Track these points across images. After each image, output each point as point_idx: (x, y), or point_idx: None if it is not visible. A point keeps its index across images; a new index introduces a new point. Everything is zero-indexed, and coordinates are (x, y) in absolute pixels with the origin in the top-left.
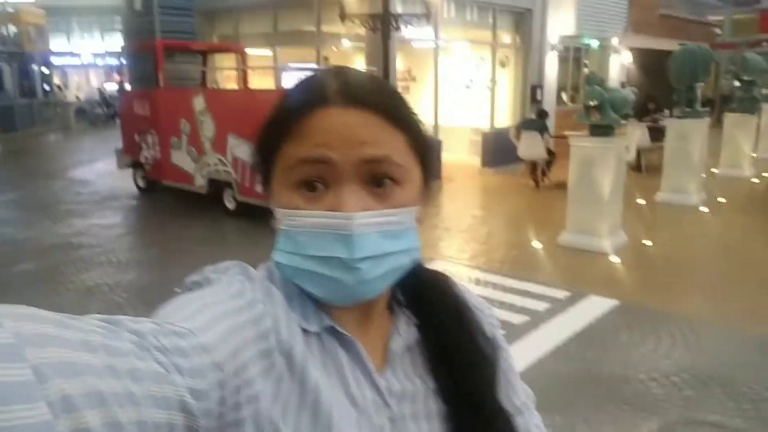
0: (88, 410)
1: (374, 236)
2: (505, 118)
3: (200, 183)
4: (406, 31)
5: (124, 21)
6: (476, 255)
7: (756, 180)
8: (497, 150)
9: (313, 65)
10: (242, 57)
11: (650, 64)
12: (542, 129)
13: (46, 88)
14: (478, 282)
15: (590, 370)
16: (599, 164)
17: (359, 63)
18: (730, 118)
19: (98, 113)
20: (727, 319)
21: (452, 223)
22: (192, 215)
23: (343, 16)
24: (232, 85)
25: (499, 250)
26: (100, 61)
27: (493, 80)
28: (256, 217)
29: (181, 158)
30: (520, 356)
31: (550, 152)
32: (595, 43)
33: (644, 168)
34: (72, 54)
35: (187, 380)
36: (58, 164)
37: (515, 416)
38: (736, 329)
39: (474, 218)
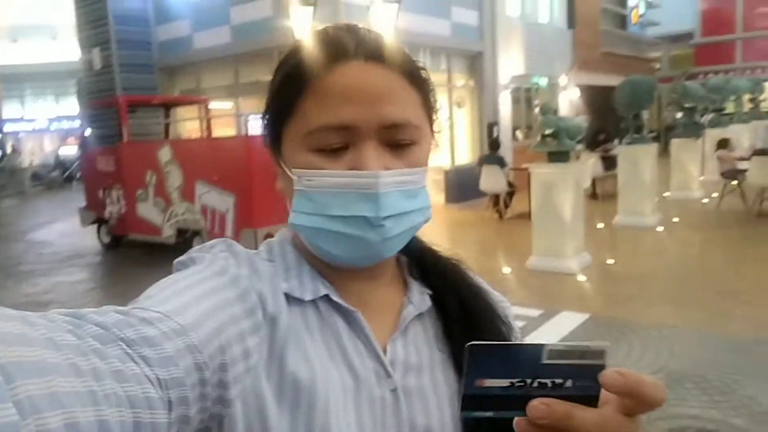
0: (49, 412)
1: (396, 195)
2: (465, 155)
3: (168, 233)
4: None
5: (81, 81)
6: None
7: (706, 200)
8: (459, 186)
9: None
10: (205, 108)
11: (596, 98)
12: (501, 163)
13: None
14: None
15: None
16: (559, 188)
17: None
18: (676, 144)
19: (54, 177)
20: (693, 324)
21: None
22: (161, 266)
23: None
24: (195, 136)
25: None
26: (54, 126)
27: (451, 120)
28: None
29: (148, 210)
30: None
31: (510, 185)
32: (544, 81)
33: (600, 195)
34: (25, 120)
35: (156, 371)
36: (16, 227)
37: None
38: (703, 332)
39: (443, 250)
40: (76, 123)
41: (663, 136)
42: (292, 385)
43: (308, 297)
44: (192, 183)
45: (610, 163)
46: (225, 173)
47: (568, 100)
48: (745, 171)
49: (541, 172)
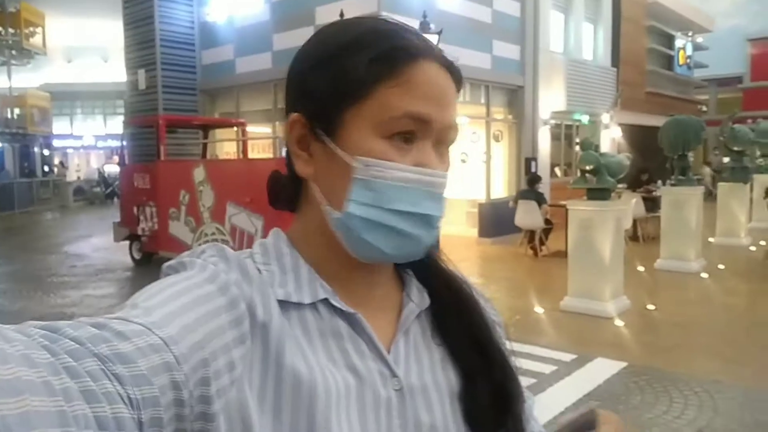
0: None
1: (443, 197)
2: (501, 189)
3: None
4: None
5: (127, 100)
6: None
7: (753, 248)
8: (494, 220)
9: None
10: (242, 130)
11: (640, 138)
12: (539, 198)
13: (46, 169)
14: None
15: None
16: (598, 227)
17: None
18: (723, 188)
19: (96, 192)
20: (739, 380)
21: None
22: None
23: None
24: (229, 158)
25: (502, 315)
26: (101, 143)
27: (488, 153)
28: None
29: (179, 229)
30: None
31: (547, 221)
32: (585, 118)
33: (641, 237)
34: (74, 136)
35: (128, 389)
36: (55, 240)
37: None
38: (749, 388)
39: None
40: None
41: (709, 178)
42: (292, 386)
43: (307, 300)
44: (223, 204)
45: (652, 204)
46: (256, 195)
47: (610, 139)
48: None
49: (579, 209)
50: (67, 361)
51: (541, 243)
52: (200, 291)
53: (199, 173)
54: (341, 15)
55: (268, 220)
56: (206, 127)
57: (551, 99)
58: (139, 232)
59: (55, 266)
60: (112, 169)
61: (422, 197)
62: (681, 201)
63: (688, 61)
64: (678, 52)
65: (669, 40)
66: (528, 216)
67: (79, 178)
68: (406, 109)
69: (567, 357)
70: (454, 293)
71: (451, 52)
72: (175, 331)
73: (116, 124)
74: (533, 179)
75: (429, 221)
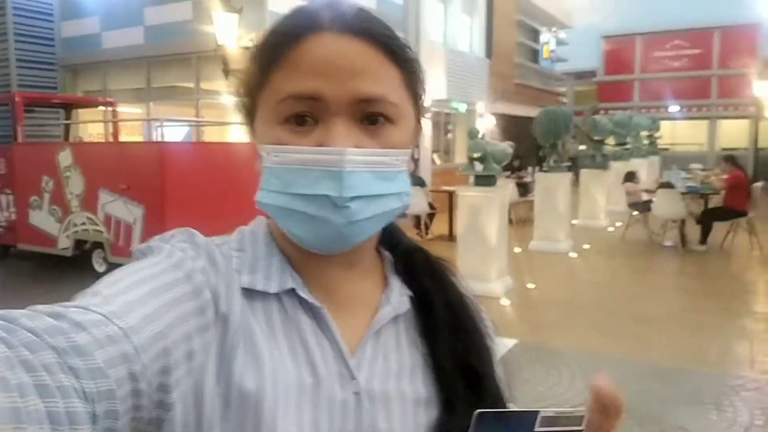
0: None
1: (366, 175)
2: None
3: (64, 245)
4: None
5: None
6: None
7: (611, 229)
8: None
9: (193, 119)
10: (113, 111)
11: (510, 127)
12: (422, 183)
13: None
14: None
15: None
16: (485, 212)
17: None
18: (585, 174)
19: None
20: (617, 351)
21: None
22: (56, 280)
23: (227, 72)
24: (98, 140)
25: None
26: None
27: None
28: None
29: (42, 218)
30: None
31: (431, 206)
32: (463, 107)
33: (514, 221)
34: None
35: (83, 383)
36: None
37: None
38: (628, 359)
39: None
40: None
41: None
42: (238, 391)
43: (273, 290)
44: (95, 191)
45: (523, 189)
46: (134, 182)
47: (485, 128)
48: (650, 203)
49: (469, 195)
50: (24, 354)
51: (426, 227)
52: (165, 278)
53: (65, 157)
54: None
55: (150, 209)
56: (69, 106)
57: (431, 87)
58: None
59: None
60: None
61: (319, 177)
62: (552, 186)
63: (552, 55)
64: (543, 46)
65: (535, 35)
66: (414, 201)
67: None
68: (288, 90)
69: None
70: (452, 310)
71: None
72: (136, 321)
73: None
74: (415, 165)
75: (331, 202)
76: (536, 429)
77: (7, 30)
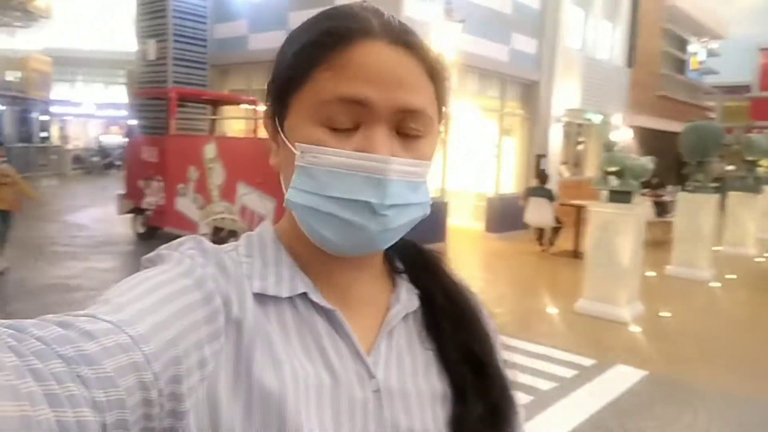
0: None
1: (402, 184)
2: (510, 184)
3: (204, 231)
4: None
5: (132, 71)
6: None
7: (760, 259)
8: (501, 215)
9: None
10: (254, 109)
11: (649, 141)
12: (550, 196)
13: (44, 134)
14: None
15: None
16: (619, 231)
17: None
18: (734, 197)
19: (95, 161)
20: (760, 394)
21: None
22: None
23: None
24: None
25: (515, 314)
26: (100, 112)
27: (499, 147)
28: None
29: (186, 205)
30: (552, 424)
31: (557, 220)
32: (597, 118)
33: (649, 242)
34: (73, 103)
35: (93, 392)
36: (53, 207)
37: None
38: None
39: (484, 281)
40: (121, 111)
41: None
42: (259, 393)
43: (285, 294)
44: (234, 183)
45: (661, 209)
46: (268, 177)
47: (622, 140)
48: None
49: (601, 212)
50: (33, 362)
51: (551, 242)
52: (175, 285)
53: (210, 150)
54: None
55: (280, 203)
56: (216, 103)
57: (565, 96)
58: (144, 206)
59: (55, 235)
60: (110, 139)
61: (360, 183)
62: (696, 208)
63: (701, 66)
64: (690, 57)
65: (683, 44)
66: (539, 213)
67: (76, 146)
68: (337, 93)
69: (587, 362)
70: (452, 301)
71: (469, 41)
72: (146, 329)
73: (117, 94)
74: (543, 177)
75: (371, 209)
76: None
77: (167, 31)
